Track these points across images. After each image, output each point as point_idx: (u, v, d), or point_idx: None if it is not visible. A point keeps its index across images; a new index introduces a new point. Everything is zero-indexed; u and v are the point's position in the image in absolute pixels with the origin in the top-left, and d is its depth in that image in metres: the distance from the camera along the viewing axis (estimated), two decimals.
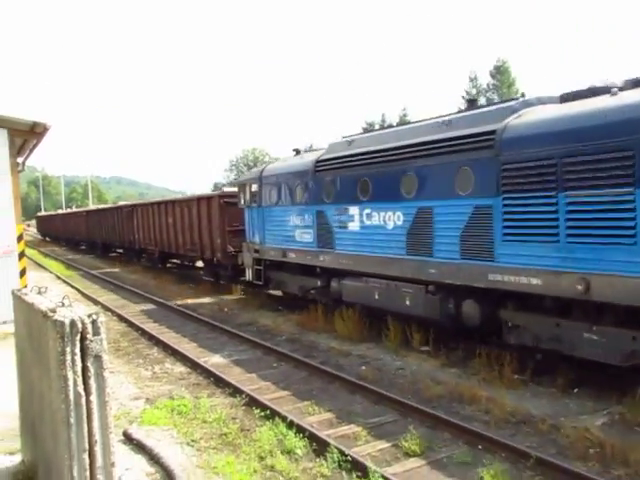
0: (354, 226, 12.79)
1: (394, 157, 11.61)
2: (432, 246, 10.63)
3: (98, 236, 38.94)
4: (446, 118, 10.91)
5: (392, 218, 11.64)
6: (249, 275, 17.93)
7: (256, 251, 17.14)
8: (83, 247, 47.53)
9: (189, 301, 19.48)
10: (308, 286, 15.15)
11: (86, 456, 4.08)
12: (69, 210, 67.74)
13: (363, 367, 10.90)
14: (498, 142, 9.27)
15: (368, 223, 12.36)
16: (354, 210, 12.77)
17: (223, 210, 20.14)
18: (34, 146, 16.41)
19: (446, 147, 10.31)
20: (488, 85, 79.17)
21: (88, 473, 4.09)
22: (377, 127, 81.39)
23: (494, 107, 10.33)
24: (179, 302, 19.10)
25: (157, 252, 27.47)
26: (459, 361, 10.72)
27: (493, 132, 9.43)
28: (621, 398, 8.14)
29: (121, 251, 36.97)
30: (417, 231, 11.01)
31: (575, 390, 8.89)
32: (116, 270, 31.07)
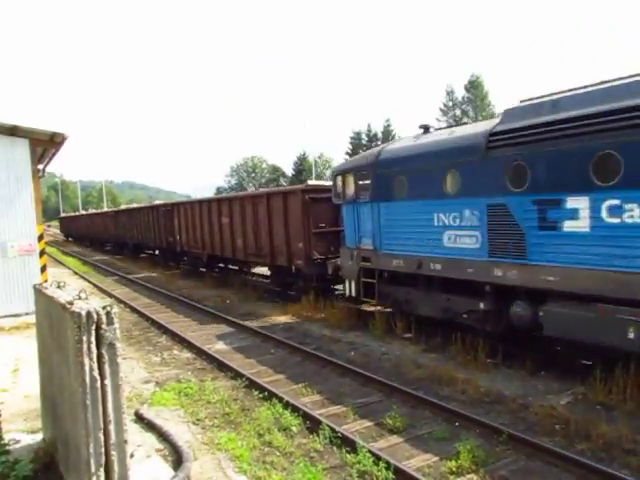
0: (578, 226, 7.87)
1: None
2: None
3: (129, 237, 33.86)
4: None
5: None
6: (350, 289, 12.99)
7: (365, 259, 12.35)
8: (108, 248, 43.57)
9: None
10: (459, 309, 10.12)
11: (101, 434, 4.06)
12: (94, 211, 63.67)
13: (352, 353, 10.91)
14: None
15: (613, 221, 7.45)
16: (580, 202, 7.83)
17: (307, 208, 14.93)
18: (53, 154, 16.31)
19: None
20: (463, 98, 79.68)
21: (103, 449, 4.07)
22: (364, 137, 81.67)
23: None
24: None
25: (205, 256, 22.16)
26: (438, 347, 10.73)
27: None
28: (583, 379, 8.18)
29: (151, 252, 32.95)
30: None
31: (542, 372, 8.93)
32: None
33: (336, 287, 15.38)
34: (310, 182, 17.13)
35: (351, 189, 12.88)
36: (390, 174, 11.42)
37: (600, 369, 7.92)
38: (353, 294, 12.97)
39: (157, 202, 34.05)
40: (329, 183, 15.21)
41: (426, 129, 11.83)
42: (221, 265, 23.19)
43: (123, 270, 28.27)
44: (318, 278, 15.00)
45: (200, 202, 22.69)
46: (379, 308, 12.80)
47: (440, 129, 11.86)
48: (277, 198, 16.39)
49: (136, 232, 32.01)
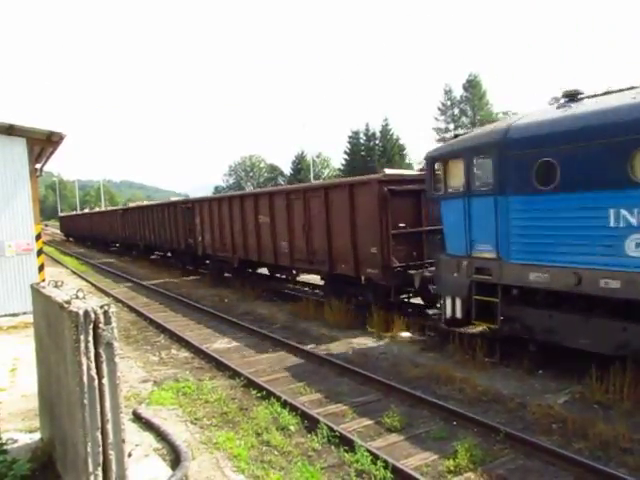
0: None
1: None
2: None
3: (139, 237, 30.94)
4: None
5: None
6: (454, 309, 9.97)
7: (480, 271, 9.42)
8: (113, 249, 40.86)
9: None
10: None
11: (99, 434, 4.06)
12: (97, 209, 60.62)
13: (350, 352, 10.91)
14: None
15: None
16: None
17: (385, 203, 12.06)
18: (51, 153, 16.28)
19: None
20: (461, 97, 79.80)
21: (101, 449, 4.07)
22: (362, 136, 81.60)
23: None
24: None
25: (236, 260, 19.25)
26: (436, 346, 10.73)
27: None
28: (581, 379, 8.19)
29: (161, 254, 30.83)
30: None
31: (540, 372, 8.94)
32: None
33: (418, 302, 13.26)
34: (388, 171, 13.47)
35: (459, 178, 9.87)
36: (528, 157, 8.56)
37: (597, 368, 7.93)
38: (458, 315, 9.89)
39: (174, 199, 31.29)
40: (410, 172, 12.97)
41: (572, 97, 8.82)
42: (249, 270, 20.23)
43: (122, 270, 28.20)
44: (397, 291, 12.39)
45: (230, 198, 19.81)
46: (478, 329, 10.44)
47: (606, 93, 8.74)
48: (340, 191, 13.46)
49: (148, 232, 29.22)
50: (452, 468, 6.06)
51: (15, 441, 6.16)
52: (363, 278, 12.90)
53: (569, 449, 6.27)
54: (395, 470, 5.88)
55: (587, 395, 7.78)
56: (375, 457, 6.13)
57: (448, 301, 10.14)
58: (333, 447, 6.67)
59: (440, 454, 6.40)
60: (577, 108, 8.42)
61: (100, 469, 4.06)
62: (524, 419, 7.27)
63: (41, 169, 17.44)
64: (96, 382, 4.05)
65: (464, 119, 79.90)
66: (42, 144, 14.86)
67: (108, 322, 4.11)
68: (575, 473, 5.80)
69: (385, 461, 5.99)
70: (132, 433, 6.53)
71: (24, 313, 13.29)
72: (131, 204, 45.00)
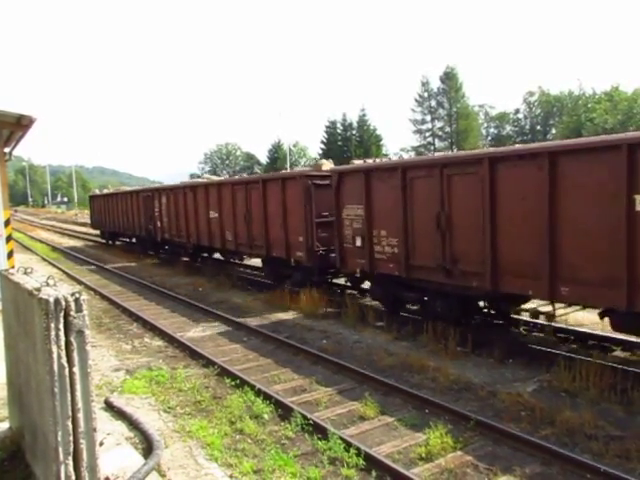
0: None
1: None
2: None
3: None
4: None
5: None
6: None
7: None
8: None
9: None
10: None
11: (69, 422, 4.01)
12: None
13: (324, 341, 10.96)
14: None
15: None
16: None
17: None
18: (20, 137, 15.83)
19: None
20: (438, 89, 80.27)
21: (71, 438, 4.02)
22: (339, 126, 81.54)
23: None
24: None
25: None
26: (409, 335, 10.85)
27: None
28: (549, 368, 8.38)
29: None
30: None
31: (510, 360, 9.11)
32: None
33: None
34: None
35: None
36: None
37: (565, 357, 8.13)
38: None
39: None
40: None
41: None
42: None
43: (93, 257, 27.72)
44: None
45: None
46: None
47: None
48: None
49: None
50: (424, 455, 6.15)
51: None
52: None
53: (536, 435, 6.42)
54: (367, 457, 5.95)
55: (555, 383, 7.97)
56: (348, 444, 6.18)
57: None
58: (307, 435, 6.71)
59: (412, 441, 6.50)
60: None
61: (70, 458, 4.01)
62: (494, 407, 7.42)
63: (10, 153, 16.93)
64: (67, 370, 3.99)
65: (441, 111, 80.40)
66: (11, 127, 14.44)
67: (79, 310, 4.04)
68: (542, 459, 5.94)
69: (358, 448, 6.06)
70: (104, 422, 6.48)
71: None
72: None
